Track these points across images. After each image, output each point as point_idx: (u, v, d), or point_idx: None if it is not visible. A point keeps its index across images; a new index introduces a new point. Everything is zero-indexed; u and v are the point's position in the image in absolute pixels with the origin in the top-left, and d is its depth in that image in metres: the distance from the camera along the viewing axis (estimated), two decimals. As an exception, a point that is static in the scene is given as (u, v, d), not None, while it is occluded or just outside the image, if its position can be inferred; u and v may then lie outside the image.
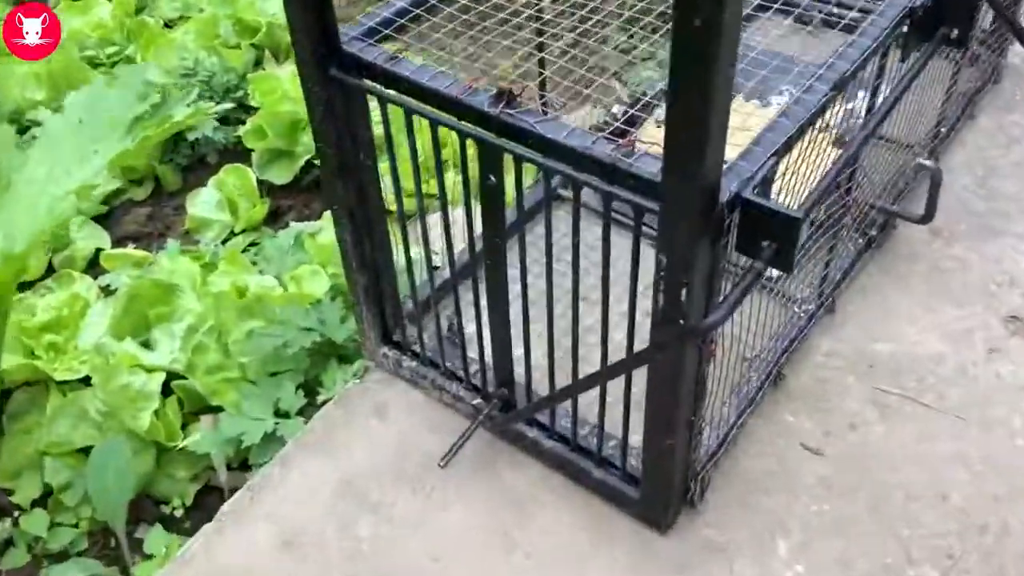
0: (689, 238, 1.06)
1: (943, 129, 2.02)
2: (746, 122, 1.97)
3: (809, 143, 1.31)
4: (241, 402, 1.84)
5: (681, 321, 1.14)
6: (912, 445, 1.57)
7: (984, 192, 2.04)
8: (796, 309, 1.74)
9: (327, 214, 2.36)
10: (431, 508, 1.52)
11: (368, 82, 1.31)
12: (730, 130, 1.03)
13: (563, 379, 1.43)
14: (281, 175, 2.57)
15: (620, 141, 1.14)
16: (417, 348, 1.68)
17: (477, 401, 1.60)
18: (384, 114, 1.35)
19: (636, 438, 1.41)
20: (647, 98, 2.16)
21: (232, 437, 1.76)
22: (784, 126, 1.19)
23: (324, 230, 2.35)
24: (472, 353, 1.61)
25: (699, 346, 1.20)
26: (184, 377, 1.98)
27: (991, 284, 1.83)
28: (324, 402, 1.81)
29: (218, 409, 1.95)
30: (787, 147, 1.18)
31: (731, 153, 1.88)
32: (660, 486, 1.41)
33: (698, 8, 0.87)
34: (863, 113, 1.98)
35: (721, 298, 1.10)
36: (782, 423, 1.61)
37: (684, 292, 1.11)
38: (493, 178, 1.26)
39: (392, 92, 1.29)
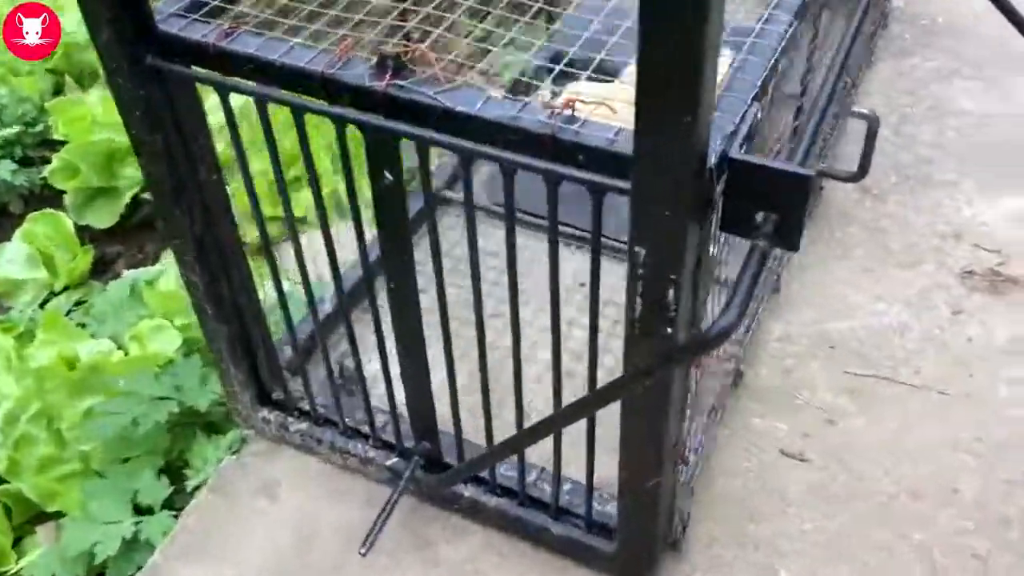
0: (675, 220, 0.79)
1: (851, 78, 1.85)
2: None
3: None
4: (87, 502, 1.45)
5: (668, 331, 0.86)
6: (900, 434, 1.36)
7: (902, 141, 1.87)
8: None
9: (167, 254, 1.99)
10: (355, 608, 1.20)
11: (198, 69, 0.98)
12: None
13: (501, 424, 1.14)
14: (102, 217, 2.15)
15: (554, 105, 0.86)
16: (305, 405, 1.35)
17: (393, 461, 1.29)
18: (227, 110, 1.02)
19: (602, 474, 1.13)
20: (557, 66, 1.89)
21: (81, 551, 1.38)
22: (754, 64, 0.93)
23: (165, 274, 1.97)
24: (376, 401, 1.29)
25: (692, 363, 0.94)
26: (6, 481, 1.57)
27: (935, 239, 1.66)
28: (195, 488, 1.45)
29: (58, 515, 1.56)
30: (763, 89, 0.93)
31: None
32: (642, 533, 1.13)
33: None
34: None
35: (729, 297, 0.82)
36: (753, 430, 1.37)
37: (671, 293, 0.83)
38: (389, 175, 0.95)
39: (234, 79, 0.97)
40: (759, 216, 0.83)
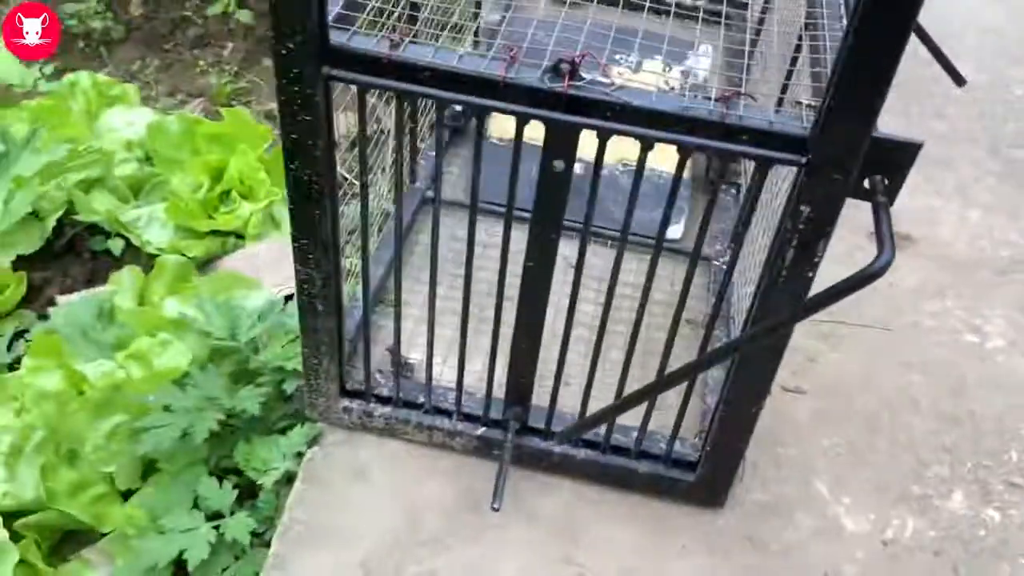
0: (842, 184, 1.02)
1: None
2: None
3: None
4: (156, 516, 1.45)
5: (810, 275, 1.09)
6: (866, 363, 1.67)
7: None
8: (716, 263, 1.77)
9: (116, 276, 1.95)
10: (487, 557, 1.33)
11: (379, 79, 1.08)
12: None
13: (576, 389, 1.32)
14: (26, 242, 2.07)
15: (718, 97, 1.06)
16: (384, 391, 1.44)
17: (481, 431, 1.42)
18: (398, 113, 1.12)
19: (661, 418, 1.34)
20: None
21: (169, 560, 1.38)
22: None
23: (120, 294, 1.94)
24: (447, 378, 1.42)
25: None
26: (29, 512, 1.52)
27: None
28: (254, 489, 1.49)
29: (87, 538, 1.54)
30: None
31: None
32: (727, 461, 1.35)
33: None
34: (700, 74, 2.08)
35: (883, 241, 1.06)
36: (756, 373, 1.63)
37: (822, 243, 1.06)
38: (562, 162, 1.11)
39: (411, 85, 1.08)
40: (878, 178, 1.07)
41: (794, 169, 1.04)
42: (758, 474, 1.48)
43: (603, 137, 1.07)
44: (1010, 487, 1.49)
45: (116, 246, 2.09)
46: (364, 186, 1.17)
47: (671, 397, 1.36)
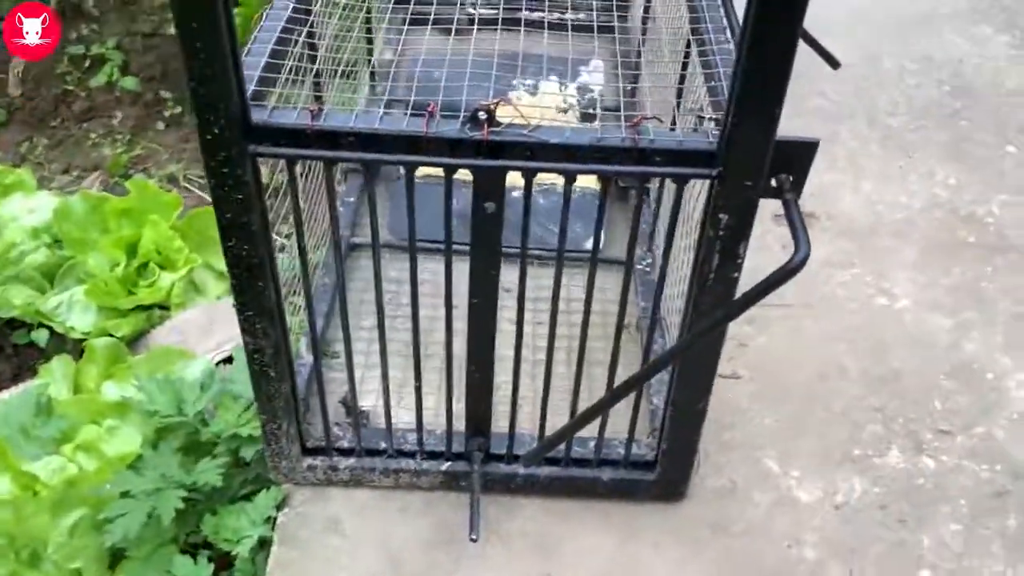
0: (754, 190, 1.10)
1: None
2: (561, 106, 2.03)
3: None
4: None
5: (735, 276, 1.17)
6: (793, 341, 1.77)
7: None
8: (639, 266, 1.85)
9: (46, 367, 1.92)
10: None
11: (305, 150, 1.11)
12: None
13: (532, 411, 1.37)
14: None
15: (625, 123, 1.13)
16: (344, 443, 1.47)
17: (446, 466, 1.46)
18: (329, 181, 1.16)
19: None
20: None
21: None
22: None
23: (53, 384, 1.92)
24: (403, 419, 1.46)
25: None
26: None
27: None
28: (229, 560, 1.50)
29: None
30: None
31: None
32: (682, 455, 1.42)
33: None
34: (595, 88, 2.16)
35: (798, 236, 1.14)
36: (693, 366, 1.72)
37: (742, 246, 1.14)
38: (493, 204, 1.16)
39: (336, 152, 1.12)
40: (783, 176, 1.15)
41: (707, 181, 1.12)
42: (710, 461, 1.56)
43: (528, 176, 1.13)
44: (939, 434, 1.61)
45: (40, 337, 2.06)
46: (303, 250, 1.20)
47: (620, 404, 1.43)
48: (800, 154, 1.14)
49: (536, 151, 1.10)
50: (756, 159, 1.07)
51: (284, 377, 1.33)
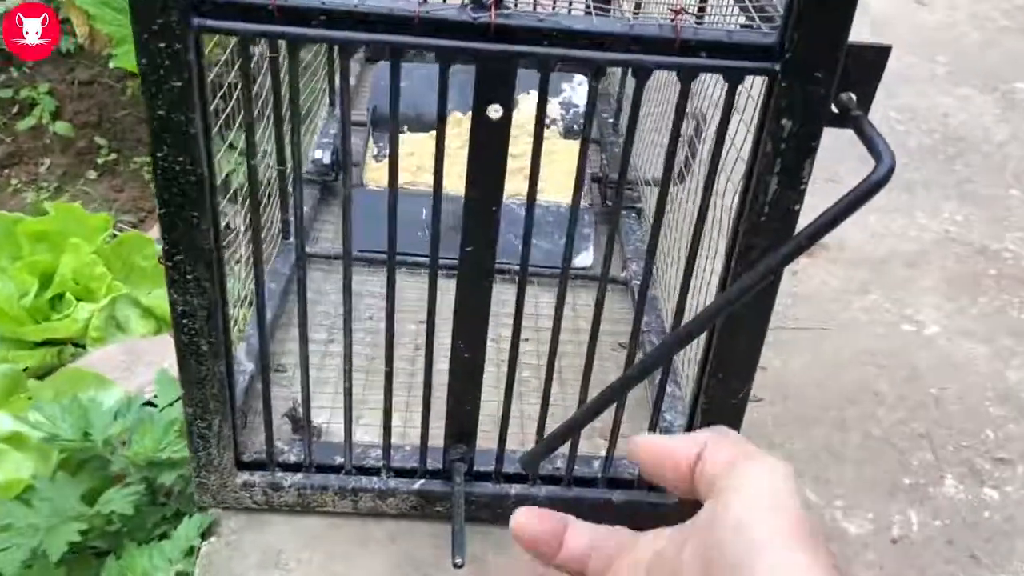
0: (822, 90, 0.89)
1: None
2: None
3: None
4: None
5: (797, 207, 0.95)
6: (813, 365, 1.54)
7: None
8: (628, 285, 1.62)
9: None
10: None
11: (261, 25, 0.88)
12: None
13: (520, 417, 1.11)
14: None
15: (671, 13, 0.92)
16: (292, 457, 1.17)
17: (420, 484, 1.17)
18: (293, 68, 0.91)
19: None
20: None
21: None
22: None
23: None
24: (362, 439, 1.18)
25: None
26: None
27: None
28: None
29: None
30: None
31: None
32: (712, 468, 1.15)
33: None
34: (580, 103, 1.98)
35: (879, 148, 0.92)
36: (705, 388, 1.47)
37: (808, 163, 0.92)
38: (498, 108, 0.93)
39: (308, 30, 0.88)
40: (841, 100, 0.96)
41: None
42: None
43: (546, 70, 0.91)
44: (998, 463, 1.37)
45: (-72, 368, 1.73)
46: (252, 169, 0.95)
47: (626, 427, 1.17)
48: (870, 61, 0.94)
49: (554, 38, 0.89)
50: (830, 42, 0.86)
51: (219, 353, 1.05)
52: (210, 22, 0.86)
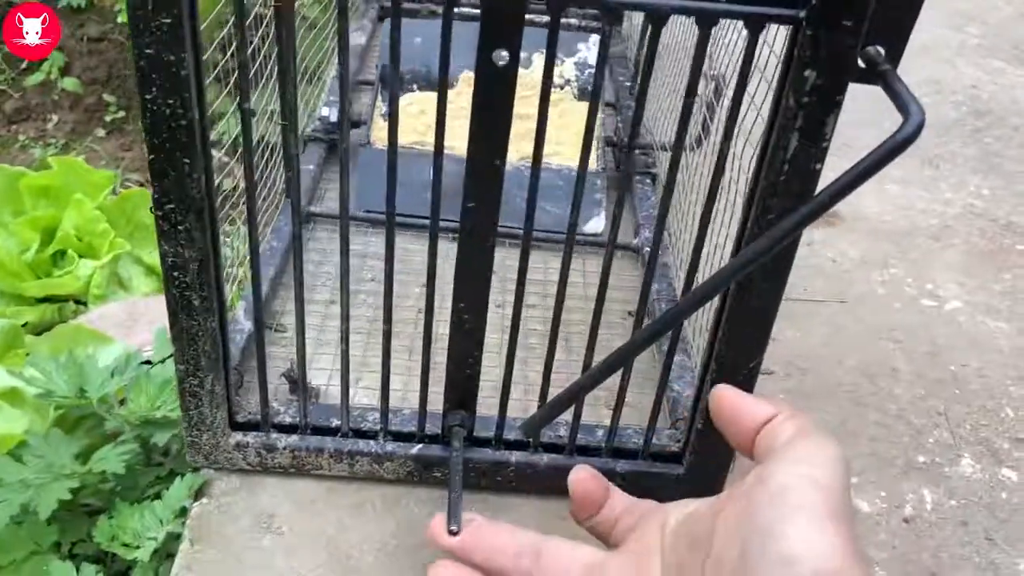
0: (851, 39, 0.83)
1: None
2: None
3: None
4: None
5: (818, 166, 0.90)
6: (829, 338, 1.49)
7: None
8: (640, 252, 1.57)
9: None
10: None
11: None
12: None
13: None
14: None
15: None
16: (287, 419, 1.14)
17: (418, 448, 1.13)
18: (277, 21, 0.87)
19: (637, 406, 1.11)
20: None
21: None
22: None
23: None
24: (360, 402, 1.14)
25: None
26: None
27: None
28: (126, 567, 1.15)
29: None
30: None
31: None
32: (720, 441, 1.11)
33: None
34: (594, 63, 1.92)
35: (907, 103, 0.87)
36: (716, 359, 1.42)
37: (832, 118, 0.87)
38: (505, 54, 0.88)
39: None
40: (868, 53, 0.90)
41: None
42: (745, 461, 1.24)
43: (556, 12, 0.86)
44: (1017, 443, 1.32)
45: (-75, 320, 1.71)
46: (246, 112, 0.90)
47: (633, 397, 1.13)
48: (899, 10, 0.89)
49: (564, -20, 0.84)
50: (859, -9, 0.81)
51: (211, 307, 1.01)
52: (202, -44, 0.81)
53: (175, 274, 0.98)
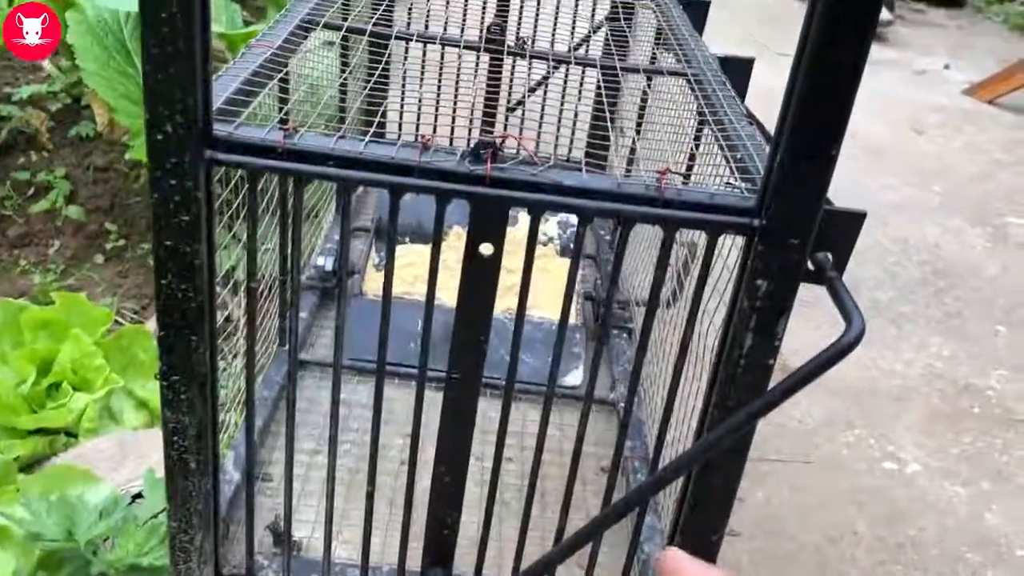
0: (799, 252, 0.93)
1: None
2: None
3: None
4: None
5: (771, 362, 0.98)
6: (793, 498, 1.56)
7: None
8: (616, 407, 1.65)
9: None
10: None
11: (269, 161, 0.93)
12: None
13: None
14: None
15: (658, 174, 0.98)
16: (270, 573, 1.19)
17: (394, 608, 1.18)
18: (252, 194, 0.96)
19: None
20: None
21: None
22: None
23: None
24: (340, 555, 1.19)
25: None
26: None
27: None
28: None
29: None
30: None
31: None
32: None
33: None
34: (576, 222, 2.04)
35: (850, 312, 0.96)
36: (686, 518, 1.48)
37: (782, 322, 0.96)
38: (490, 247, 0.97)
39: (315, 167, 0.93)
40: (817, 259, 1.00)
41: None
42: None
43: (536, 213, 0.95)
44: (972, 611, 1.37)
45: (-80, 453, 1.75)
46: (251, 291, 0.99)
47: (604, 556, 1.19)
48: (845, 226, 0.99)
49: (547, 191, 0.94)
50: (805, 210, 0.91)
51: (206, 470, 1.07)
52: (221, 155, 0.91)
53: (175, 438, 1.04)
